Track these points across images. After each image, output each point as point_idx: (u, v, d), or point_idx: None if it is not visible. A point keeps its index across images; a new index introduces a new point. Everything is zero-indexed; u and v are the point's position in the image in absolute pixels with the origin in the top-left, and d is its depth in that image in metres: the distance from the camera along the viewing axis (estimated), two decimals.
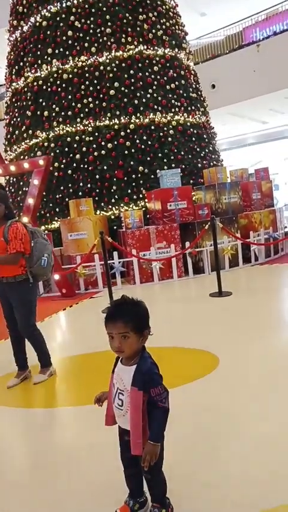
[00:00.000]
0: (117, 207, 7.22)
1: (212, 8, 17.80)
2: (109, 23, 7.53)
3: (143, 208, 7.16)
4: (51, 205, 7.48)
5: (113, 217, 7.18)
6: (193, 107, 8.05)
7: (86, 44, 7.47)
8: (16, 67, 8.10)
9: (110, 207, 7.27)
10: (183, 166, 7.52)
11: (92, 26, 7.53)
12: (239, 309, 4.38)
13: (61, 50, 7.52)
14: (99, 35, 7.50)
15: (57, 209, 7.45)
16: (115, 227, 7.09)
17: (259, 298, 4.70)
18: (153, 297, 5.53)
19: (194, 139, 7.88)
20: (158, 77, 7.64)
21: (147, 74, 7.53)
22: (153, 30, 7.80)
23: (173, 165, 7.38)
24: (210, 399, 2.40)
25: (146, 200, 7.21)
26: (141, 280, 6.33)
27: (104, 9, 7.57)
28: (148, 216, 7.12)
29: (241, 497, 1.57)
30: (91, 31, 7.53)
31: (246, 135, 19.52)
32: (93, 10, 7.57)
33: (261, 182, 8.04)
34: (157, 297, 5.57)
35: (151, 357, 1.47)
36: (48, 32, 7.67)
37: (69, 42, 7.49)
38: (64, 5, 7.63)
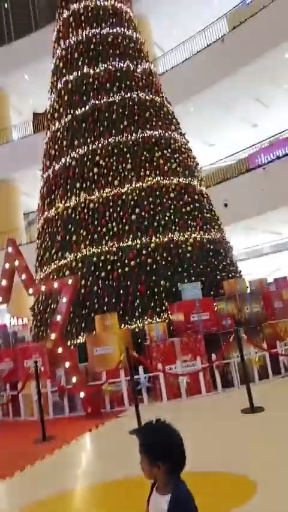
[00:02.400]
0: (141, 320, 7.40)
1: (219, 139, 20.18)
2: (129, 160, 8.65)
3: (166, 321, 7.30)
4: (77, 320, 7.72)
5: (137, 330, 7.31)
6: (208, 225, 8.70)
7: (110, 179, 8.50)
8: (48, 199, 9.15)
9: (134, 320, 7.45)
10: (203, 279, 7.83)
11: (114, 163, 8.65)
12: (273, 426, 4.18)
13: (88, 184, 8.56)
14: (120, 170, 8.57)
15: (83, 324, 7.66)
16: (139, 340, 7.15)
17: None
18: (181, 415, 5.32)
19: (211, 253, 8.34)
20: (175, 202, 8.45)
21: (164, 200, 8.35)
22: (168, 164, 8.86)
23: (193, 278, 7.70)
24: None
25: (169, 312, 7.38)
26: (168, 396, 6.16)
27: (125, 149, 8.77)
28: (172, 328, 7.21)
29: None
30: (114, 168, 8.62)
31: (262, 245, 20.32)
32: (115, 151, 8.77)
33: (282, 291, 8.19)
34: (185, 415, 5.36)
35: (186, 486, 1.44)
36: (77, 170, 8.81)
37: (95, 177, 8.56)
38: (90, 148, 8.89)
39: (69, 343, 7.32)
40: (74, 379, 5.99)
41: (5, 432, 6.25)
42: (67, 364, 6.03)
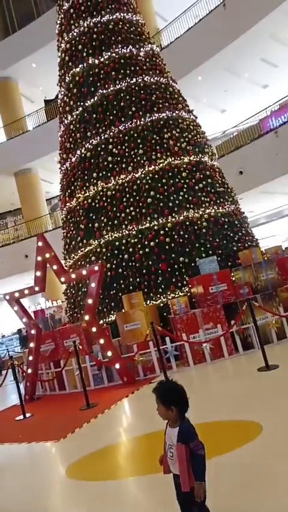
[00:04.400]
0: (164, 296, 8.05)
1: (230, 104, 20.01)
2: (140, 145, 9.06)
3: (188, 294, 7.91)
4: (107, 300, 8.45)
5: (162, 305, 7.97)
6: (222, 199, 9.09)
7: (124, 165, 8.98)
8: (68, 190, 9.75)
9: (159, 296, 8.11)
10: (220, 251, 8.34)
11: (127, 150, 9.09)
12: (284, 380, 4.78)
13: (104, 172, 9.08)
14: (133, 156, 9.02)
15: (112, 304, 8.39)
16: (165, 313, 7.83)
17: None
18: (204, 376, 6.03)
19: (226, 226, 8.78)
20: (187, 180, 8.86)
21: (177, 180, 8.78)
22: (178, 144, 9.22)
23: (210, 252, 8.22)
24: (254, 461, 2.89)
25: (190, 286, 7.98)
26: (195, 361, 6.84)
27: (135, 135, 9.17)
28: (194, 300, 7.83)
29: None
30: (126, 154, 9.07)
31: (282, 207, 20.37)
32: (126, 137, 9.20)
33: None
34: (208, 376, 6.06)
35: (189, 421, 2.13)
36: (92, 160, 9.33)
37: (110, 166, 9.05)
38: (103, 137, 9.35)
39: (101, 322, 8.09)
40: (109, 353, 6.76)
41: (54, 403, 7.17)
42: (102, 341, 6.80)
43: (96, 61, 9.78)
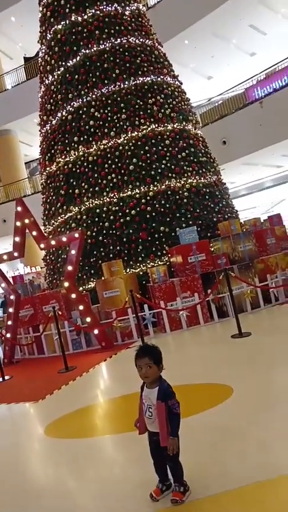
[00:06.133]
0: (144, 264, 8.13)
1: (217, 71, 19.60)
2: (124, 110, 8.87)
3: (167, 263, 8.02)
4: (87, 268, 8.49)
5: (141, 273, 8.07)
6: (204, 169, 9.08)
7: (106, 130, 8.79)
8: (48, 154, 9.53)
9: (138, 264, 8.19)
10: (200, 222, 8.42)
11: (109, 114, 8.88)
12: (256, 347, 4.99)
13: (85, 137, 8.88)
14: (116, 120, 8.83)
15: (92, 271, 8.43)
16: (144, 282, 7.94)
17: (276, 337, 5.29)
18: (180, 342, 6.23)
19: (207, 197, 8.83)
20: (170, 148, 8.78)
21: (160, 147, 8.69)
22: (162, 110, 9.06)
23: (190, 222, 8.28)
24: (223, 422, 3.06)
25: (169, 255, 8.08)
26: (171, 328, 7.04)
27: (119, 99, 8.94)
28: (172, 269, 7.95)
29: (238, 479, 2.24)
30: (109, 118, 8.87)
31: (263, 179, 20.49)
32: (109, 101, 8.96)
33: (275, 227, 8.77)
34: (184, 342, 6.25)
35: (166, 381, 2.24)
36: (73, 123, 9.09)
37: (92, 130, 8.85)
38: (85, 100, 9.08)
39: (81, 289, 8.15)
40: (88, 319, 6.87)
41: (33, 366, 7.29)
42: (81, 307, 6.88)
43: (80, 18, 9.35)
